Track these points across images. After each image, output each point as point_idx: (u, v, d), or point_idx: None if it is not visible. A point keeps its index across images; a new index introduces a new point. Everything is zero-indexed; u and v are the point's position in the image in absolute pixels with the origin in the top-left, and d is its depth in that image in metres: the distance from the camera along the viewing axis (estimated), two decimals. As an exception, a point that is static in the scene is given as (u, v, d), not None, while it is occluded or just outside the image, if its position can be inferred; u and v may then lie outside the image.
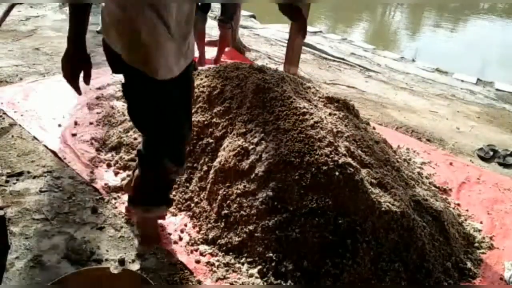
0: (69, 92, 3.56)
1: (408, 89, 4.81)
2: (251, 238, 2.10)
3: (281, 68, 4.39)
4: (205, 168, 2.47)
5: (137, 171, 2.05)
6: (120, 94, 3.57)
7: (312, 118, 2.32)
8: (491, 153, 3.45)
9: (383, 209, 2.08)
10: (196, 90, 2.79)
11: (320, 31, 6.65)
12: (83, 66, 1.74)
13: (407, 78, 5.14)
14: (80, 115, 3.28)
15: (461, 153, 3.48)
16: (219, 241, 2.17)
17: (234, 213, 2.18)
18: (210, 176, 2.37)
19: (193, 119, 2.67)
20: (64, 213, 2.31)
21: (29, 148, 2.82)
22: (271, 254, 2.04)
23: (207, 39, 4.82)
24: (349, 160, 2.18)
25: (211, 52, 4.56)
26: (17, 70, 3.93)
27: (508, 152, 3.45)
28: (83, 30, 1.69)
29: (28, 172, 2.58)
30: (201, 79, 2.84)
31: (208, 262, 2.08)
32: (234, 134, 2.42)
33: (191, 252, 2.15)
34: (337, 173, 2.09)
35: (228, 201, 2.22)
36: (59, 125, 3.11)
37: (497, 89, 5.08)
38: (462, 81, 5.24)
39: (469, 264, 2.23)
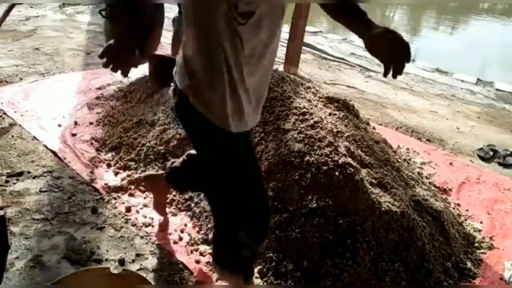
0: (69, 92, 3.60)
1: (408, 89, 4.81)
2: (251, 238, 2.10)
3: (281, 68, 4.38)
4: (205, 168, 2.47)
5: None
6: (120, 94, 3.58)
7: (312, 118, 2.32)
8: (491, 153, 3.45)
9: (383, 209, 2.08)
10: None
11: (320, 31, 6.65)
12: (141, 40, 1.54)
13: (407, 78, 5.14)
14: (80, 115, 3.27)
15: (461, 153, 3.48)
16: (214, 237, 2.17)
17: (234, 213, 2.18)
18: (210, 176, 2.37)
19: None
20: (64, 213, 2.31)
21: (29, 148, 2.82)
22: (271, 254, 2.04)
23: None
24: (349, 160, 2.18)
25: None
26: (17, 70, 3.93)
27: (508, 152, 3.45)
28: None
29: (28, 172, 2.58)
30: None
31: (208, 262, 2.08)
32: (234, 134, 2.42)
33: (191, 252, 2.14)
34: (337, 173, 2.09)
35: (228, 201, 2.22)
36: (59, 125, 3.11)
37: (497, 89, 5.08)
38: (462, 81, 5.24)
39: (469, 264, 2.23)
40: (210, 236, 2.20)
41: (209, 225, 2.24)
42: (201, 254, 2.13)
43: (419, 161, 3.17)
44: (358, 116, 2.84)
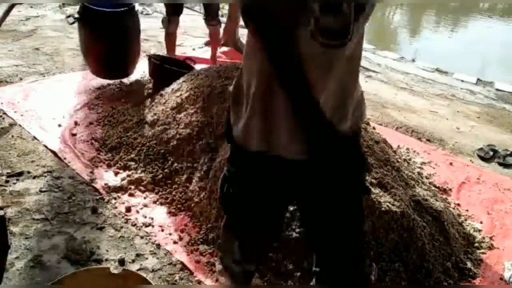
0: (69, 92, 3.59)
1: (408, 89, 4.81)
2: (251, 238, 2.09)
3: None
4: (205, 168, 2.47)
5: None
6: (120, 94, 3.58)
7: (312, 118, 2.32)
8: (491, 153, 3.45)
9: (383, 209, 2.08)
10: (196, 90, 2.79)
11: (320, 31, 6.65)
12: None
13: (407, 78, 5.14)
14: (80, 115, 3.27)
15: (461, 153, 3.48)
16: (219, 241, 2.17)
17: (234, 213, 2.18)
18: (210, 176, 2.37)
19: (193, 119, 2.68)
20: (64, 213, 2.31)
21: (29, 148, 2.82)
22: (271, 254, 2.04)
23: (207, 39, 4.83)
24: (349, 160, 2.18)
25: (208, 53, 4.57)
26: (17, 70, 3.93)
27: (508, 152, 3.45)
28: None
29: (28, 172, 2.58)
30: (201, 79, 2.84)
31: (208, 262, 2.08)
32: (234, 134, 2.42)
33: (191, 252, 2.14)
34: (337, 173, 2.08)
35: (228, 201, 2.21)
36: (59, 125, 3.11)
37: (497, 89, 5.08)
38: (462, 81, 5.23)
39: (469, 264, 2.23)
40: (210, 236, 2.20)
41: (209, 225, 2.24)
42: (201, 254, 2.13)
43: (419, 161, 3.17)
44: (358, 116, 2.84)
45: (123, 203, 2.42)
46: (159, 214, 2.38)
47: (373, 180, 2.24)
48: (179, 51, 4.41)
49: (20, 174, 2.56)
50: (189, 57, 4.04)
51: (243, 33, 5.62)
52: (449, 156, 3.38)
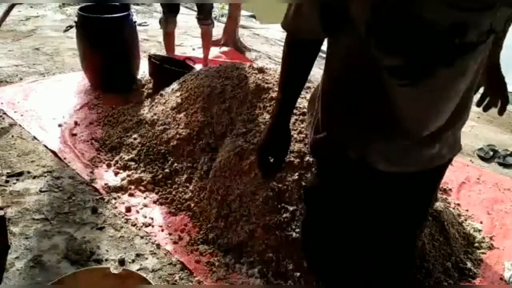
0: (69, 92, 3.59)
1: (408, 89, 4.80)
2: (251, 238, 2.10)
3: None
4: (205, 168, 2.47)
5: None
6: (120, 94, 3.57)
7: (312, 118, 2.32)
8: (491, 153, 3.44)
9: (383, 209, 2.08)
10: (196, 90, 2.79)
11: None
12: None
13: (407, 78, 5.14)
14: (80, 115, 3.27)
15: (461, 153, 3.47)
16: (219, 241, 2.18)
17: (234, 213, 2.18)
18: (210, 176, 2.37)
19: (193, 119, 2.68)
20: (64, 213, 2.31)
21: (29, 148, 2.82)
22: (271, 254, 2.04)
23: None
24: (349, 160, 2.18)
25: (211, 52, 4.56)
26: (17, 70, 3.93)
27: (508, 152, 3.45)
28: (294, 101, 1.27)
29: (28, 172, 2.58)
30: (201, 79, 2.84)
31: (208, 262, 2.08)
32: (234, 134, 2.42)
33: (191, 252, 2.15)
34: (337, 173, 2.08)
35: (228, 201, 2.22)
36: (59, 125, 3.11)
37: (497, 89, 5.07)
38: (462, 81, 5.23)
39: (469, 264, 2.23)
40: (210, 236, 2.20)
41: (209, 225, 2.25)
42: (201, 254, 2.13)
43: (419, 161, 3.16)
44: (358, 116, 2.84)
45: (123, 203, 2.42)
46: (159, 214, 2.38)
47: (373, 180, 2.24)
48: (179, 51, 4.41)
49: (20, 174, 2.56)
50: (189, 57, 4.03)
51: (243, 33, 5.63)
52: (449, 156, 3.37)
